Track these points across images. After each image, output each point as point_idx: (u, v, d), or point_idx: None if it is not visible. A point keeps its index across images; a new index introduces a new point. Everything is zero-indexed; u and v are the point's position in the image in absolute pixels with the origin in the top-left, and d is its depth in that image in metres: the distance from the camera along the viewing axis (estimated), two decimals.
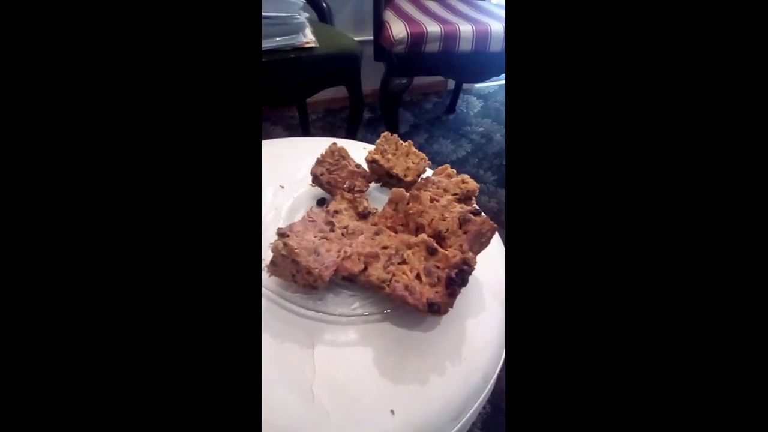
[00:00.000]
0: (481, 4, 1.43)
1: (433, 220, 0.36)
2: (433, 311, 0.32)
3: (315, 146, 0.49)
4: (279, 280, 0.36)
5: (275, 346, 0.32)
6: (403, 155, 0.45)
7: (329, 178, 0.44)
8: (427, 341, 0.34)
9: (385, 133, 0.47)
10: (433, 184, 0.41)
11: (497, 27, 1.22)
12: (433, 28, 1.18)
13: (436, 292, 0.32)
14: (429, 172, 0.47)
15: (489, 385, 0.35)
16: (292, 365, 0.31)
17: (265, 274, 0.35)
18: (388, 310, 0.35)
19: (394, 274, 0.33)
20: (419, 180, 0.44)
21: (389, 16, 1.27)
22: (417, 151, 0.46)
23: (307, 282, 0.34)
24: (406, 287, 0.32)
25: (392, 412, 0.30)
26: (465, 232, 0.35)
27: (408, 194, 0.39)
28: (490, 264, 0.39)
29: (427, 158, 0.46)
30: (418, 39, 1.18)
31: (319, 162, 0.45)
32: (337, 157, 0.45)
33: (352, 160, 0.46)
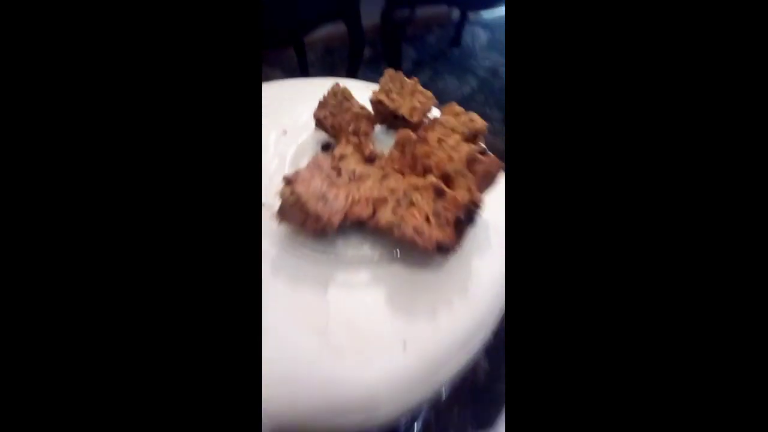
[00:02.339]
0: None
1: (440, 161, 0.35)
2: (441, 251, 0.32)
3: (317, 88, 0.47)
4: (289, 227, 0.36)
5: (290, 291, 0.33)
6: (409, 94, 0.44)
7: (333, 121, 0.43)
8: (436, 280, 0.35)
9: (389, 70, 0.45)
10: (441, 124, 0.39)
11: None
12: None
13: (445, 233, 0.32)
14: (436, 111, 0.45)
15: (494, 318, 0.37)
16: (308, 307, 0.33)
17: (274, 222, 0.36)
18: (398, 252, 0.36)
19: (402, 217, 0.33)
20: (426, 120, 0.43)
21: None
22: (423, 89, 0.44)
23: (317, 228, 0.34)
24: (415, 229, 0.33)
25: (404, 346, 0.32)
26: (473, 172, 0.35)
27: (415, 136, 0.38)
28: (498, 204, 0.39)
29: (433, 96, 0.44)
30: None
31: (322, 105, 0.44)
32: (340, 98, 0.44)
33: (357, 101, 0.45)
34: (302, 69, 1.40)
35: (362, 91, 0.50)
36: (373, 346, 0.32)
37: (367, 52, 1.70)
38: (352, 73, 1.24)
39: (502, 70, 1.70)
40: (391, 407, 0.31)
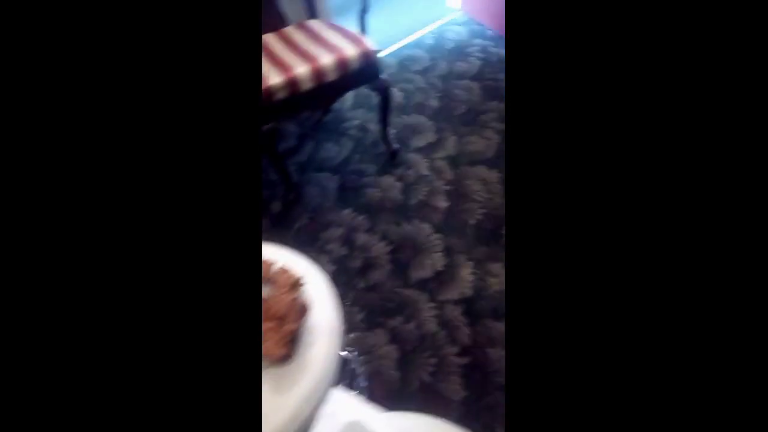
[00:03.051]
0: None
1: (277, 310, 0.72)
2: (288, 358, 0.69)
3: None
4: None
5: None
6: (279, 274, 0.79)
7: None
8: (292, 368, 0.71)
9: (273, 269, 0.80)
10: (277, 283, 0.75)
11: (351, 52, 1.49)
12: (303, 68, 1.44)
13: (286, 349, 0.69)
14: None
15: (330, 376, 0.73)
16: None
17: None
18: (269, 363, 0.72)
19: (267, 346, 0.69)
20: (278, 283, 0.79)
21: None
22: (276, 271, 0.80)
23: None
24: (272, 352, 0.69)
25: (284, 401, 0.67)
26: (294, 311, 0.71)
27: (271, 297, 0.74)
28: (321, 316, 0.76)
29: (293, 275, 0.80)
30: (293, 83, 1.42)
31: None
32: None
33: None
34: None
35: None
36: (273, 403, 0.67)
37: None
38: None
39: (370, 125, 2.09)
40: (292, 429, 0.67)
